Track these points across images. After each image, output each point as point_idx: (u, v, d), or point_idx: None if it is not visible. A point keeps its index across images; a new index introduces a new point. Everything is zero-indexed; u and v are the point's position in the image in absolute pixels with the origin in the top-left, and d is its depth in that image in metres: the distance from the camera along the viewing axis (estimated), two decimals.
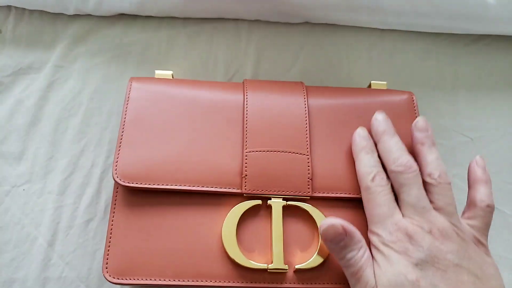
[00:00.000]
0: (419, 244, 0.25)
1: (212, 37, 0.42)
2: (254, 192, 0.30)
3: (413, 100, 0.35)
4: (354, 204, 0.31)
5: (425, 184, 0.28)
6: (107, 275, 0.28)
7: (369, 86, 0.37)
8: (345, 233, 0.27)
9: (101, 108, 0.39)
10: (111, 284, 0.34)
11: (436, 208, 0.27)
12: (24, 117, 0.39)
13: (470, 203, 0.29)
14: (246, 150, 0.31)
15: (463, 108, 0.42)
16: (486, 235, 0.28)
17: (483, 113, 0.42)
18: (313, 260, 0.29)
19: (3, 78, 0.39)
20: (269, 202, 0.30)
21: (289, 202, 0.30)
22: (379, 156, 0.30)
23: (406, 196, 0.27)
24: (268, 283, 0.28)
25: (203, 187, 0.30)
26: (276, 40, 0.42)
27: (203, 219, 0.30)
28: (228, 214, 0.29)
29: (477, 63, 0.43)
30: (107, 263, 0.29)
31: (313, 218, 0.30)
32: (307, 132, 0.32)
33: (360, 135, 0.31)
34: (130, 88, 0.33)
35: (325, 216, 0.30)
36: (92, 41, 0.41)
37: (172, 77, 0.36)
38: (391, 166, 0.29)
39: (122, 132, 0.31)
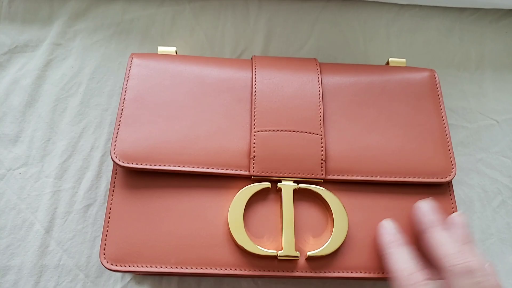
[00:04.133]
0: None
1: (219, 13, 0.39)
2: (263, 174, 0.28)
3: (435, 78, 0.33)
4: (372, 188, 0.29)
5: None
6: (104, 262, 0.27)
7: (387, 63, 0.35)
8: None
9: (101, 88, 0.37)
10: (111, 272, 0.33)
11: None
12: (20, 97, 0.37)
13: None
14: (254, 130, 0.29)
15: (489, 89, 0.39)
16: None
17: (511, 95, 0.39)
18: (326, 247, 0.27)
19: None
20: (279, 184, 0.28)
21: (300, 185, 0.28)
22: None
23: None
24: (278, 271, 0.26)
25: (208, 168, 0.28)
26: (288, 17, 0.40)
27: (208, 203, 0.28)
28: (235, 197, 0.27)
29: (505, 41, 0.40)
30: (104, 249, 0.27)
31: (327, 202, 0.28)
32: (321, 110, 0.30)
33: (385, 227, 0.27)
34: (131, 64, 0.31)
35: (340, 200, 0.28)
36: (92, 18, 0.39)
37: (176, 53, 0.34)
38: (447, 263, 0.25)
39: (122, 110, 0.29)
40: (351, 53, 0.39)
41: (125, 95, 0.30)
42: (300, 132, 0.29)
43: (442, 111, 0.31)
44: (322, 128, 0.29)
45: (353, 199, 0.28)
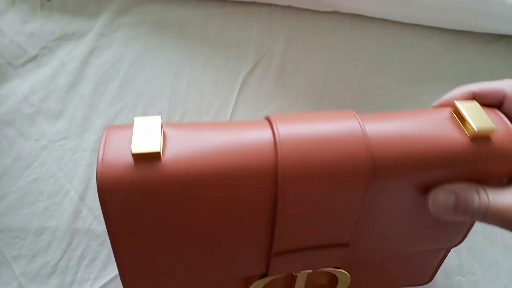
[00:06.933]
0: None
1: (247, 19, 0.44)
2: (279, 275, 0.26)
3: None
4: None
5: None
6: None
7: (457, 112, 0.24)
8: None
9: (138, 76, 0.42)
10: None
11: None
12: (65, 79, 0.41)
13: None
14: (272, 254, 0.24)
15: None
16: None
17: None
18: None
19: (49, 42, 0.42)
20: (294, 273, 0.27)
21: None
22: None
23: None
24: None
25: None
26: (306, 26, 0.45)
27: None
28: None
29: (494, 63, 0.46)
30: None
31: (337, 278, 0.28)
32: (356, 223, 0.24)
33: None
34: (101, 186, 0.21)
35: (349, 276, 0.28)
36: (134, 14, 0.44)
37: (162, 126, 0.22)
38: None
39: (116, 254, 0.22)
40: (359, 62, 0.44)
41: (111, 236, 0.21)
42: (323, 248, 0.24)
43: None
44: (351, 235, 0.24)
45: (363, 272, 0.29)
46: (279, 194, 0.21)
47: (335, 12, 0.45)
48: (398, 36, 0.46)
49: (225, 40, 0.43)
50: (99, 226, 0.37)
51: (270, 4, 0.45)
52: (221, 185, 0.21)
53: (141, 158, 0.20)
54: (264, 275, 0.26)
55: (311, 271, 0.26)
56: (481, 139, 0.23)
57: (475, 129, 0.22)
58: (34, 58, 0.41)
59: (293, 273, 0.26)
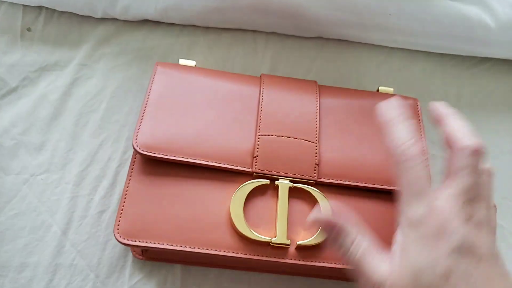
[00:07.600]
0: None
1: (231, 46, 0.44)
2: (263, 172, 0.32)
3: (418, 106, 0.38)
4: (358, 192, 0.33)
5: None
6: (117, 236, 0.30)
7: (377, 90, 0.40)
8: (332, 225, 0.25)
9: (121, 106, 0.41)
10: (120, 273, 0.36)
11: None
12: (47, 110, 0.41)
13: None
14: (259, 133, 0.33)
15: None
16: None
17: (483, 131, 0.43)
18: (314, 238, 0.30)
19: (30, 73, 0.42)
20: (276, 182, 0.32)
21: (295, 184, 0.32)
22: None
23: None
24: (271, 256, 0.30)
25: (216, 163, 0.32)
26: (291, 52, 0.45)
27: (214, 193, 0.32)
28: (238, 189, 0.31)
29: (479, 85, 0.46)
30: (118, 225, 0.30)
31: (317, 200, 0.32)
32: (317, 123, 0.35)
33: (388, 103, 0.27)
34: (156, 71, 0.36)
35: (328, 199, 0.32)
36: (116, 43, 0.43)
37: (195, 66, 0.38)
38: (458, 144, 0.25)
39: (145, 108, 0.34)
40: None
41: (148, 96, 0.34)
42: (298, 139, 0.33)
43: (422, 133, 0.37)
44: (317, 137, 0.34)
45: (340, 200, 0.33)
46: (261, 91, 0.36)
47: (319, 38, 0.45)
48: (385, 60, 0.45)
49: (209, 68, 0.43)
50: (82, 260, 0.37)
51: (254, 31, 0.45)
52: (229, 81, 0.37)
53: (184, 65, 0.38)
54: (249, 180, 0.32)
55: (292, 184, 0.32)
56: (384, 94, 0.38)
57: (379, 89, 0.40)
58: (14, 90, 0.41)
59: (275, 184, 0.32)
